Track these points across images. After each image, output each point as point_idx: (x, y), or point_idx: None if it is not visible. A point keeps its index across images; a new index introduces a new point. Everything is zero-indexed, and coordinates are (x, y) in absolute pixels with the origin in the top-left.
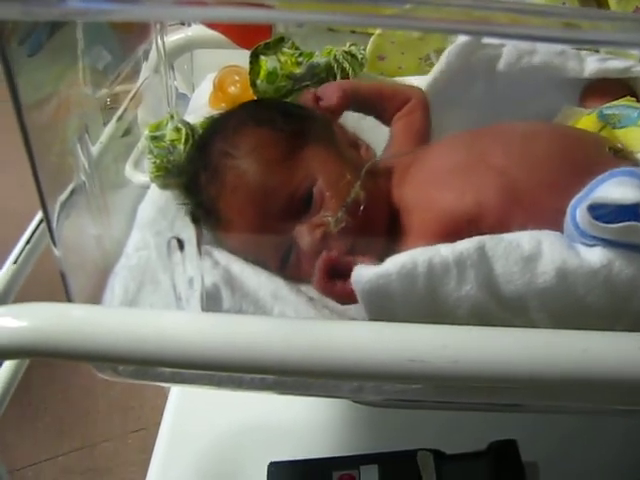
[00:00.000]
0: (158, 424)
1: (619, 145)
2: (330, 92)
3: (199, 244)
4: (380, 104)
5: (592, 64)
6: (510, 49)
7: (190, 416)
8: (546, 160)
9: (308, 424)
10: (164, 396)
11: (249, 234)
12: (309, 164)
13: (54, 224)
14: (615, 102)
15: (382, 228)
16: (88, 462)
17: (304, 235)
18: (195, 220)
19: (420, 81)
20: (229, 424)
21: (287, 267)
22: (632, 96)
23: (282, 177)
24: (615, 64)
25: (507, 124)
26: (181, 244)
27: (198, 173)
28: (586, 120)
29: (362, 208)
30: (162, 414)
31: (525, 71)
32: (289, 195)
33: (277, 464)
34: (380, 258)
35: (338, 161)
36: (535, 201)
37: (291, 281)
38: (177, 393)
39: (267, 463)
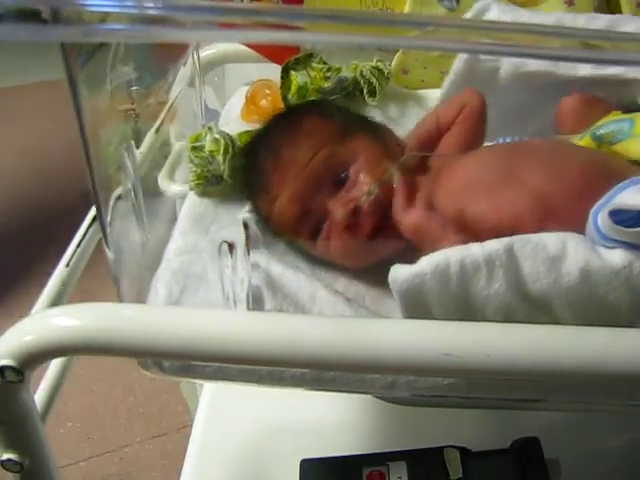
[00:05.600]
0: (178, 430)
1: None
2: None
3: (248, 247)
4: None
5: (584, 70)
6: (507, 60)
7: (222, 417)
8: (572, 172)
9: (338, 423)
10: (184, 402)
11: (288, 205)
12: (352, 147)
13: (107, 228)
14: (602, 121)
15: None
16: (109, 467)
17: (337, 207)
18: (245, 225)
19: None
20: (261, 425)
21: (317, 241)
22: (617, 109)
23: (326, 155)
24: (608, 70)
25: (535, 139)
26: (231, 247)
27: (258, 149)
28: (581, 144)
29: (394, 187)
30: (181, 420)
31: (522, 79)
32: (329, 170)
33: (309, 461)
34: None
35: (380, 151)
36: (561, 211)
37: (320, 259)
38: (208, 396)
39: (299, 461)
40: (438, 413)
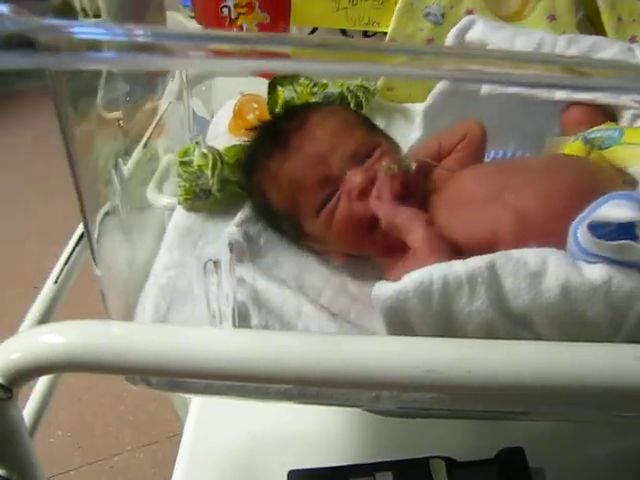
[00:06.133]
0: (168, 438)
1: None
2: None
3: (232, 264)
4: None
5: (560, 94)
6: None
7: (211, 428)
8: (557, 192)
9: (325, 434)
10: (174, 410)
11: (308, 165)
12: (378, 136)
13: (95, 245)
14: (596, 127)
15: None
16: (100, 476)
17: (356, 174)
18: (230, 243)
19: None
20: (250, 436)
21: (323, 211)
22: (612, 121)
23: (357, 132)
24: (581, 95)
25: (526, 158)
26: (217, 266)
27: (285, 116)
28: (572, 146)
29: (411, 175)
30: (172, 428)
31: (502, 96)
32: (357, 145)
33: (296, 472)
34: None
35: (398, 147)
36: (546, 228)
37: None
38: (197, 407)
39: (286, 472)
40: (424, 424)
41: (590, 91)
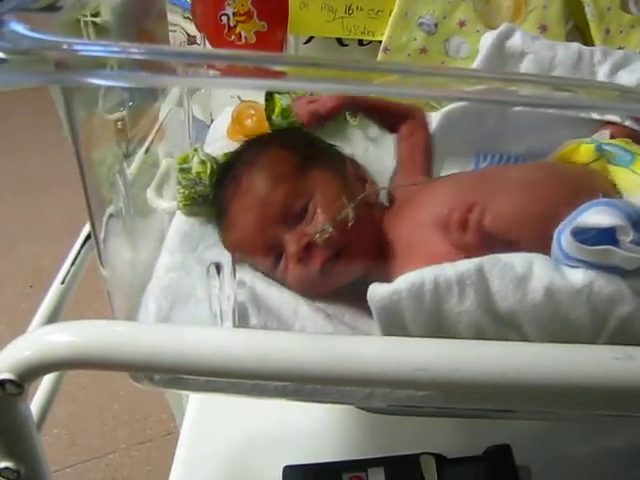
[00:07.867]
0: (162, 436)
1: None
2: (325, 97)
3: (234, 267)
4: (381, 110)
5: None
6: None
7: (208, 427)
8: (539, 204)
9: (319, 431)
10: (169, 409)
11: (248, 236)
12: (312, 182)
13: (101, 246)
14: (614, 140)
15: (365, 250)
16: (95, 474)
17: (291, 241)
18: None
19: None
20: (245, 434)
21: (276, 271)
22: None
23: (285, 188)
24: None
25: (504, 167)
26: (219, 269)
27: (223, 177)
28: (585, 149)
29: (349, 226)
30: (166, 427)
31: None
32: (288, 205)
33: (291, 468)
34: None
35: (339, 186)
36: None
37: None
38: (194, 406)
39: (282, 467)
40: (415, 422)
41: (579, 109)
